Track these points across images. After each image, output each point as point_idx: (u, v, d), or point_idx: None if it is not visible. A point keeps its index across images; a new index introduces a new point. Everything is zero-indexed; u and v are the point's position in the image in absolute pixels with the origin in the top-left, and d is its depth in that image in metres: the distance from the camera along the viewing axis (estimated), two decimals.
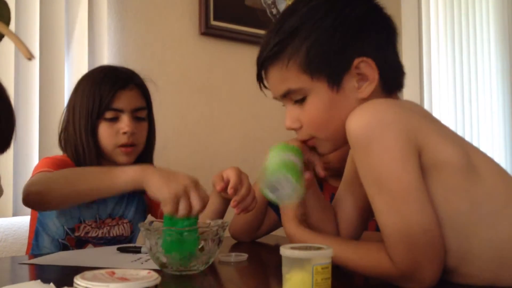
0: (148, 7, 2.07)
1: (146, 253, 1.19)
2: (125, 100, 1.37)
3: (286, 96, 0.93)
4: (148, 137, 1.45)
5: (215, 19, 2.18)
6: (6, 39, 0.56)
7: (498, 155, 3.28)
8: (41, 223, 1.37)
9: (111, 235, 1.43)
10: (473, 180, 0.83)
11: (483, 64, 3.28)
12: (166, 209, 0.96)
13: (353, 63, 0.89)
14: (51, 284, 0.82)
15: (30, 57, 0.52)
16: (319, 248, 0.72)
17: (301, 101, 0.92)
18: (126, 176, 1.07)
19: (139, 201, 1.50)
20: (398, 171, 0.80)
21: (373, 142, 0.81)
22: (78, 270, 0.71)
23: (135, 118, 1.39)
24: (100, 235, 1.41)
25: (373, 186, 0.84)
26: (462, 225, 0.82)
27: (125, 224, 1.46)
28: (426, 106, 3.00)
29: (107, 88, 1.35)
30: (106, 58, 1.93)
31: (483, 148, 3.17)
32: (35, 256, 1.21)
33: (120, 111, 1.36)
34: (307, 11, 0.91)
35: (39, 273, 1.08)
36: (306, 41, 0.89)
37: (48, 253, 1.26)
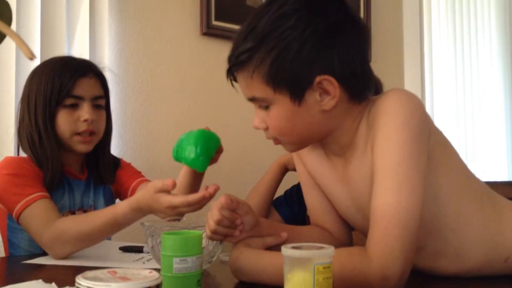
0: (150, 7, 2.07)
1: (148, 253, 1.20)
2: (86, 87, 1.36)
3: (252, 100, 0.96)
4: (106, 127, 1.44)
5: (216, 19, 2.18)
6: (7, 39, 0.56)
7: (500, 155, 3.27)
8: (13, 238, 1.34)
9: None
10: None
11: (484, 63, 3.27)
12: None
13: (315, 80, 0.90)
14: (53, 283, 0.83)
15: (32, 56, 0.52)
16: (320, 248, 0.72)
17: (266, 106, 0.94)
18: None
19: (105, 190, 1.49)
20: (417, 158, 0.87)
21: (408, 123, 0.88)
22: (80, 269, 0.71)
23: (95, 106, 1.38)
24: None
25: (392, 164, 0.87)
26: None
27: None
28: (427, 106, 2.99)
29: (67, 75, 1.34)
30: (107, 58, 1.93)
31: (484, 149, 3.17)
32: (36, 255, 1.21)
33: (81, 98, 1.35)
34: (278, 17, 0.90)
35: (41, 272, 1.08)
36: (272, 52, 0.89)
37: (33, 254, 1.23)
